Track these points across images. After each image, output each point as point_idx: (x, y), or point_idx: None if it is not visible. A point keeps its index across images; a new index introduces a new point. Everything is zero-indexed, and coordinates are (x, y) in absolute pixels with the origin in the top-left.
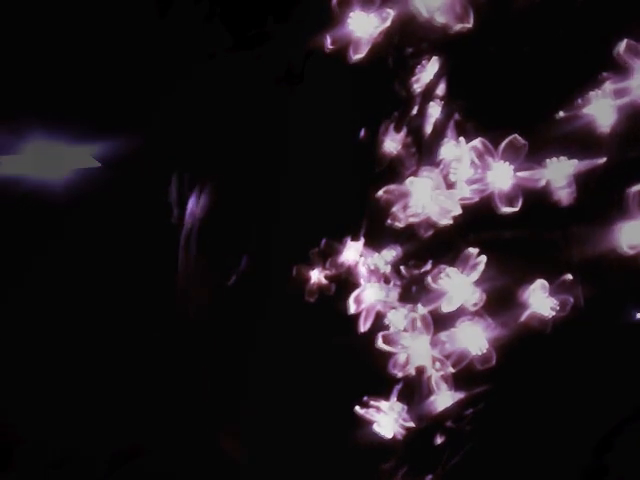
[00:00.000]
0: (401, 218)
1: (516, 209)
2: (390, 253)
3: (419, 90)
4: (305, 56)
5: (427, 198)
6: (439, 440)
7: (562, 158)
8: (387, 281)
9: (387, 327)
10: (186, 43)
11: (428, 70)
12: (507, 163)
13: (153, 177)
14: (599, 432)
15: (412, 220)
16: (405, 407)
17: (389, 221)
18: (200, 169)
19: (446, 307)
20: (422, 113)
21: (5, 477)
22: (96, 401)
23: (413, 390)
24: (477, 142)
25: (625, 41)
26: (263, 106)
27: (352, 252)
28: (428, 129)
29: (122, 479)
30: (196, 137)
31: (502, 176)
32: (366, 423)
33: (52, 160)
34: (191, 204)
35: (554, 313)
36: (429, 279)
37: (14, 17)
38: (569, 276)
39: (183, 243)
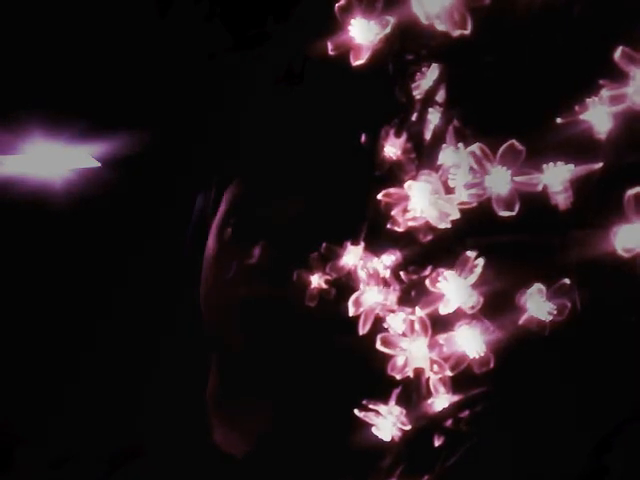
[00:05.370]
0: (400, 222)
1: (514, 213)
2: (389, 257)
3: (419, 96)
4: (305, 57)
5: (426, 202)
6: (437, 441)
7: (559, 163)
8: (386, 284)
9: (386, 330)
10: (186, 43)
11: (428, 77)
12: (505, 168)
13: (154, 177)
14: (599, 432)
15: (411, 224)
16: (403, 410)
17: (389, 225)
18: (199, 169)
19: (443, 309)
20: (422, 119)
21: (5, 477)
22: (96, 401)
23: (411, 393)
24: (475, 147)
25: (621, 48)
26: (264, 107)
27: (352, 256)
28: (427, 135)
29: (122, 479)
30: (196, 137)
31: (500, 181)
32: (365, 426)
33: (52, 160)
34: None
35: (551, 317)
36: (427, 282)
37: (14, 17)
38: (566, 280)
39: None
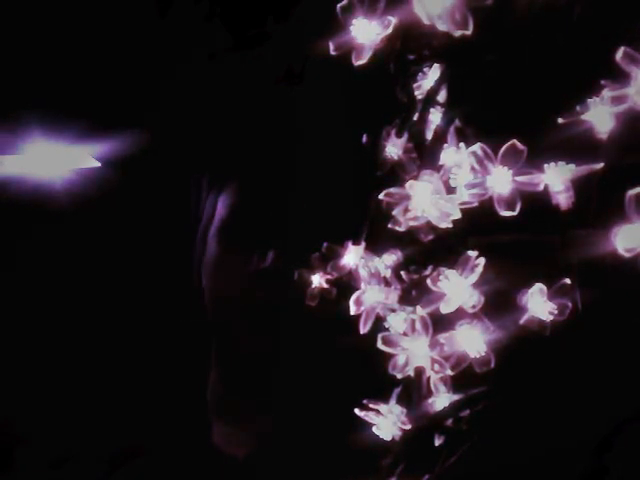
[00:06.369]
0: (402, 222)
1: (515, 213)
2: (390, 257)
3: (420, 96)
4: (305, 57)
5: (427, 202)
6: (437, 441)
7: (561, 163)
8: (387, 284)
9: (387, 329)
10: (186, 43)
11: (429, 77)
12: (506, 168)
13: (154, 177)
14: (599, 432)
15: (412, 224)
16: (404, 410)
17: (390, 225)
18: (199, 170)
19: (444, 309)
20: (423, 119)
21: (5, 477)
22: (96, 401)
23: (412, 392)
24: (477, 147)
25: (623, 48)
26: (263, 108)
27: (353, 256)
28: (429, 135)
29: (122, 479)
30: (195, 137)
31: (501, 181)
32: (365, 425)
33: (52, 160)
34: (196, 205)
35: (552, 317)
36: (428, 282)
37: (14, 17)
38: (567, 280)
39: (199, 244)
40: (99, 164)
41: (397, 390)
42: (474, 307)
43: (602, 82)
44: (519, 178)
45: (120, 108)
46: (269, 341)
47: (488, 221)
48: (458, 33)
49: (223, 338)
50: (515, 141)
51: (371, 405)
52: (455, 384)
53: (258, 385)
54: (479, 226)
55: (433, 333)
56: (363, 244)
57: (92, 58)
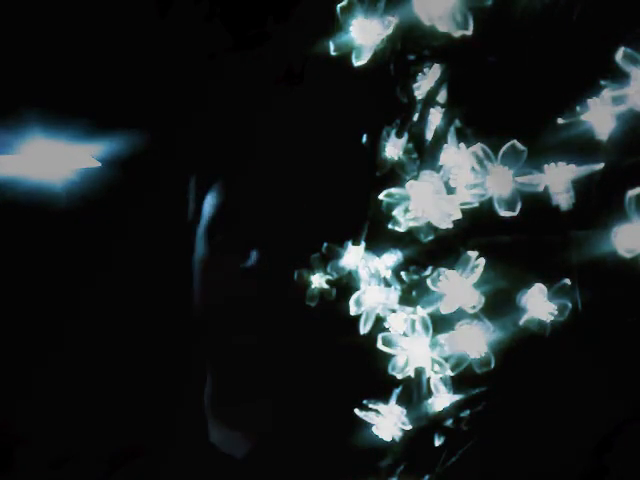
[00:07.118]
0: (402, 222)
1: (515, 213)
2: (391, 257)
3: (420, 97)
4: (305, 57)
5: (427, 202)
6: (437, 441)
7: (561, 164)
8: (387, 284)
9: (387, 330)
10: (186, 43)
11: (429, 77)
12: (506, 168)
13: (154, 177)
14: (599, 432)
15: (412, 224)
16: (404, 410)
17: (390, 225)
18: (198, 169)
19: (444, 309)
20: (423, 119)
21: (5, 477)
22: (96, 401)
23: (412, 392)
24: (477, 147)
25: (623, 49)
26: (263, 108)
27: (353, 256)
28: (429, 135)
29: (122, 479)
30: (195, 138)
31: (501, 181)
32: (365, 426)
33: (52, 160)
34: (194, 204)
35: (552, 317)
36: (429, 282)
37: (14, 16)
38: (567, 280)
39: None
40: (99, 164)
41: (397, 390)
42: (474, 307)
43: (602, 82)
44: (519, 178)
45: (120, 108)
46: (268, 341)
47: (488, 221)
48: (458, 33)
49: (222, 339)
50: (515, 141)
51: (371, 405)
52: (455, 384)
53: (257, 385)
54: (479, 226)
55: (433, 333)
56: (363, 244)
57: (92, 58)
